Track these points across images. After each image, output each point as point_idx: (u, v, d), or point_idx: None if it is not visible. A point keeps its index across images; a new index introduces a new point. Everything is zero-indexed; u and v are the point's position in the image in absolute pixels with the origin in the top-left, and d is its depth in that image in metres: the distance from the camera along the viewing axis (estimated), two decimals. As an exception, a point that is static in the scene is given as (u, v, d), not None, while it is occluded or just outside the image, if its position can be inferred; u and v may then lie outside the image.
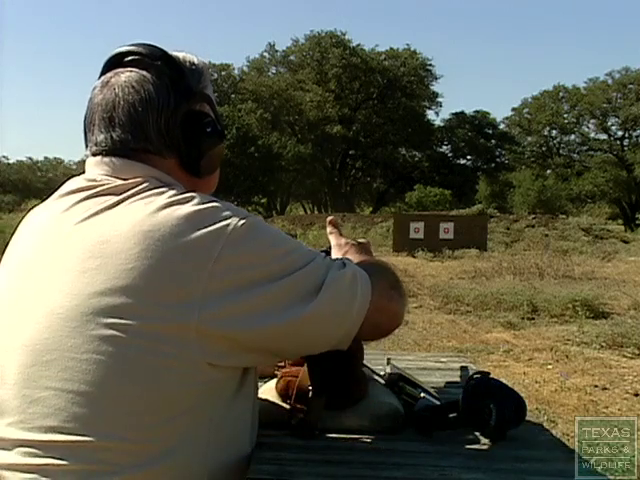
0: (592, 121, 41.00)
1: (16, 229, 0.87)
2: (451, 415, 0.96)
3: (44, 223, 0.82)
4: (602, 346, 5.01)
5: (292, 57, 42.06)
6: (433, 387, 1.16)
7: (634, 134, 39.60)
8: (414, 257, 14.15)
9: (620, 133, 40.14)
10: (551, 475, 0.81)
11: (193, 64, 0.89)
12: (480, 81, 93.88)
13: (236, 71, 42.82)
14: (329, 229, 1.05)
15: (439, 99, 42.02)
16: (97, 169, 0.82)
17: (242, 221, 0.75)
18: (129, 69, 0.84)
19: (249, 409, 0.84)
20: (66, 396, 0.69)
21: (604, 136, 41.07)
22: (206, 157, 0.86)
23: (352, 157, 41.75)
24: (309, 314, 0.75)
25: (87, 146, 0.86)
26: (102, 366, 0.69)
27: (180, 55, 0.89)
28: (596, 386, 3.99)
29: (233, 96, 39.43)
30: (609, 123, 40.47)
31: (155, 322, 0.70)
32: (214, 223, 0.74)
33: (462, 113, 43.69)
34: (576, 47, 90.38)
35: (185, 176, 0.85)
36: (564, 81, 66.80)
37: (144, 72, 0.84)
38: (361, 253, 0.98)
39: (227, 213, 0.76)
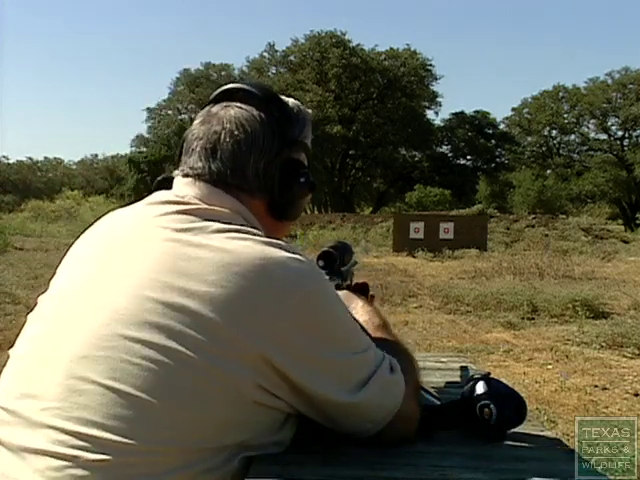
0: (592, 121, 41.00)
1: (87, 226, 0.90)
2: (451, 415, 0.96)
3: (130, 224, 0.84)
4: (602, 346, 5.01)
5: (292, 57, 41.98)
6: (433, 387, 1.16)
7: (634, 134, 39.62)
8: (414, 257, 14.17)
9: (620, 133, 40.16)
10: (551, 475, 0.80)
11: (300, 112, 0.92)
12: (480, 81, 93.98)
13: (236, 71, 42.84)
14: None
15: (439, 99, 42.00)
16: (187, 189, 0.84)
17: (320, 277, 0.80)
18: (239, 104, 0.87)
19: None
20: (110, 395, 0.70)
21: (604, 136, 41.09)
22: (294, 205, 0.89)
23: (352, 157, 41.73)
24: (355, 401, 0.78)
25: (179, 166, 0.88)
26: (153, 376, 0.70)
27: (290, 101, 0.92)
28: (596, 386, 3.99)
29: (233, 96, 39.26)
30: (609, 123, 40.50)
31: (216, 345, 0.71)
32: (294, 269, 0.76)
33: (462, 113, 43.67)
34: (576, 47, 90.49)
35: (268, 218, 0.87)
36: (564, 81, 66.82)
37: (254, 111, 0.86)
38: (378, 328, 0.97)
39: (306, 264, 0.78)
